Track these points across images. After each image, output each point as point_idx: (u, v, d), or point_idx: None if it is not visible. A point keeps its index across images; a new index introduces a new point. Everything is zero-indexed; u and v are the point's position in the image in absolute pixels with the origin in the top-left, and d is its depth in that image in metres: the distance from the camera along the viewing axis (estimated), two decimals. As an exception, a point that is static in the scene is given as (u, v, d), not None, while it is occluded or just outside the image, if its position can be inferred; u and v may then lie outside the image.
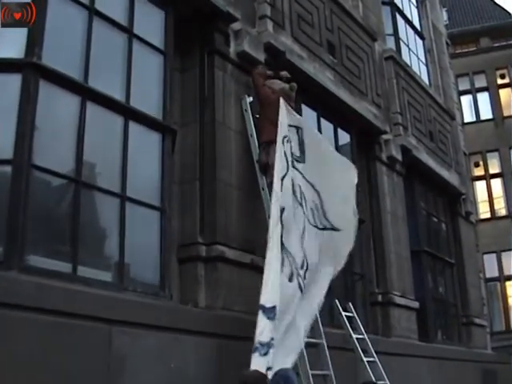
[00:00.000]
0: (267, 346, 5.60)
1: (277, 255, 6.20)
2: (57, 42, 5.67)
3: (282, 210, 6.57)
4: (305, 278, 6.67)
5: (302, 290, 6.55)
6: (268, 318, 5.74)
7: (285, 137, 7.15)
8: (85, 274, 5.49)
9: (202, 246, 6.79)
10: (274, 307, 5.82)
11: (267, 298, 5.86)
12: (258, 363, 5.44)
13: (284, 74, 7.87)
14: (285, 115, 7.28)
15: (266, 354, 5.55)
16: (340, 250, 7.45)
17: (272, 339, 5.66)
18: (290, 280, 6.41)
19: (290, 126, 7.35)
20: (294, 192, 6.96)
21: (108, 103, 6.08)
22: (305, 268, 6.72)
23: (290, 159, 7.08)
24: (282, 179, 6.76)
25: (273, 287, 5.96)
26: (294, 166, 7.14)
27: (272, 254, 6.17)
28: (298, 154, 7.34)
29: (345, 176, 7.76)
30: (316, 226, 7.27)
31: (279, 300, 5.91)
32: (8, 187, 5.04)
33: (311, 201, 7.30)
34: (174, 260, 6.77)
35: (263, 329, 5.68)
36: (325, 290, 7.10)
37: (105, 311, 5.18)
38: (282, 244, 6.40)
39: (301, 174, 7.26)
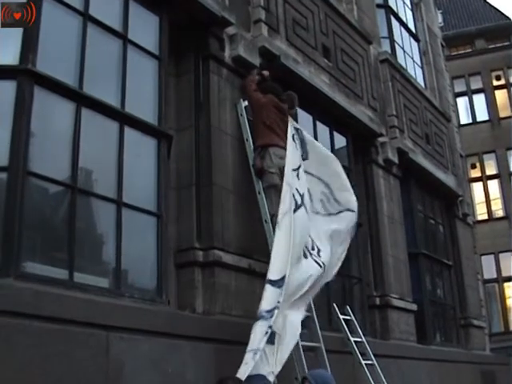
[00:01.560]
0: (273, 310, 5.82)
1: (286, 234, 6.45)
2: (51, 48, 5.65)
3: (303, 196, 7.03)
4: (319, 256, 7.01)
5: (320, 266, 6.88)
6: (277, 287, 6.00)
7: (293, 135, 7.56)
8: (82, 280, 5.47)
9: (198, 251, 6.78)
10: (283, 278, 6.09)
11: (274, 271, 6.14)
12: (261, 330, 5.68)
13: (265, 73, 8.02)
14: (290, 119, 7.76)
15: (270, 317, 5.77)
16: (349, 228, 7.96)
17: (278, 302, 5.89)
18: (305, 257, 6.73)
19: (294, 127, 7.75)
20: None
21: (103, 109, 6.06)
22: (316, 249, 7.02)
23: (300, 154, 7.54)
24: (294, 170, 7.17)
25: (281, 262, 6.23)
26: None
27: (281, 233, 6.46)
28: (302, 152, 7.68)
29: (334, 165, 8.20)
30: (330, 214, 7.71)
31: (289, 271, 6.16)
32: (4, 194, 5.02)
33: (320, 192, 7.74)
34: (171, 265, 6.76)
35: (269, 298, 5.91)
36: (337, 267, 7.60)
37: (102, 317, 5.16)
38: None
39: (305, 171, 7.57)
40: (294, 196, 6.85)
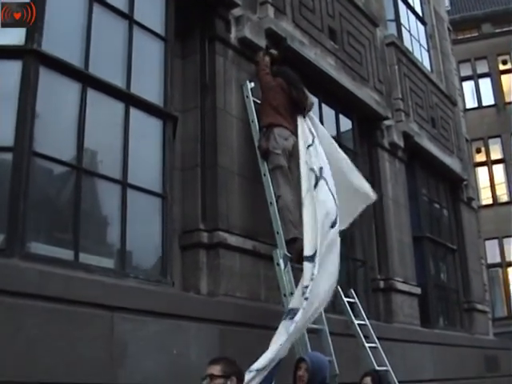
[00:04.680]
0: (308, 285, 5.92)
1: (311, 211, 6.49)
2: (57, 28, 5.63)
3: (321, 169, 6.92)
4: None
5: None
6: (311, 262, 6.08)
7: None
8: (86, 260, 5.48)
9: (203, 233, 6.79)
10: (314, 253, 6.16)
11: (308, 248, 6.22)
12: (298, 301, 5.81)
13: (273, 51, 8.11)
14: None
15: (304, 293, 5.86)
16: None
17: (313, 274, 5.97)
18: (333, 226, 6.62)
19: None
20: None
21: (109, 90, 6.05)
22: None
23: (313, 130, 7.50)
24: (308, 147, 7.13)
25: (312, 238, 6.29)
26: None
27: (306, 211, 6.53)
28: (314, 128, 7.63)
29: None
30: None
31: (319, 244, 6.21)
32: (9, 174, 5.03)
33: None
34: (176, 247, 6.76)
35: (306, 274, 6.01)
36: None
37: (106, 298, 5.18)
38: (333, 195, 6.81)
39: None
40: (313, 171, 6.84)
